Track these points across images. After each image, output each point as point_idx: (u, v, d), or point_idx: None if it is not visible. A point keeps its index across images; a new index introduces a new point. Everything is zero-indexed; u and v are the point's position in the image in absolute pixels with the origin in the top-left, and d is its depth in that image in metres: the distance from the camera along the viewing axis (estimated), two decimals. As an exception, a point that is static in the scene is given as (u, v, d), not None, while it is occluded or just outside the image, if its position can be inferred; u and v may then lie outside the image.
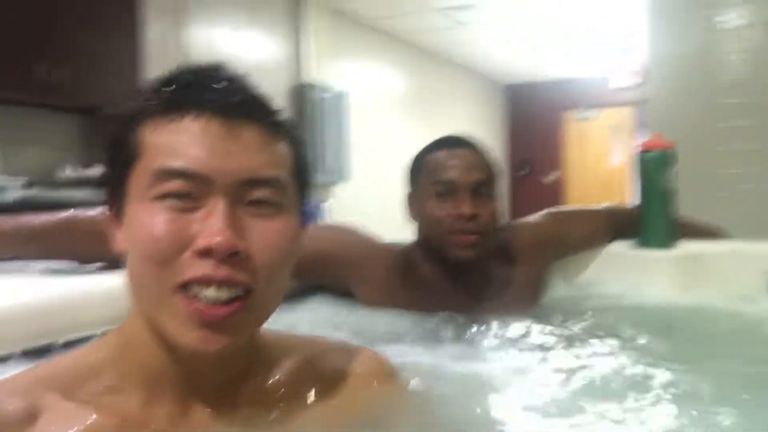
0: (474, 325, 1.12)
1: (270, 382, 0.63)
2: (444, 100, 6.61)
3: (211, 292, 0.52)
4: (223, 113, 0.55)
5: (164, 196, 0.53)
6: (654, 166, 1.43)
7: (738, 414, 0.72)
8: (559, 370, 0.92)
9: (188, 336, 0.53)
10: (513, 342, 1.07)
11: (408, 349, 0.98)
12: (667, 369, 0.87)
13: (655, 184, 1.44)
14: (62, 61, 2.98)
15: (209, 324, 0.53)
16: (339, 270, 1.23)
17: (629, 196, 7.96)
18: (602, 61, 6.67)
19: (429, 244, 1.21)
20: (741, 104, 2.71)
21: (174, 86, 0.57)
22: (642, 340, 1.09)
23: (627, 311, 1.31)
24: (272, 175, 0.57)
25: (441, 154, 1.21)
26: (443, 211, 1.16)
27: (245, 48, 4.30)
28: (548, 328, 1.13)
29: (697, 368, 0.90)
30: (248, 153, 0.56)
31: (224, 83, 0.57)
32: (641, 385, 0.84)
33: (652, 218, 1.45)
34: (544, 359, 1.00)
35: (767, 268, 1.39)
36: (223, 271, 0.52)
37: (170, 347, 0.56)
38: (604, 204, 1.60)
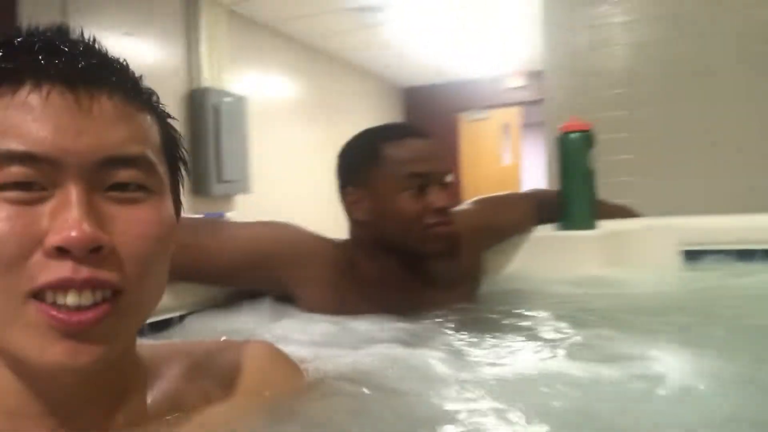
0: (438, 320, 1.09)
1: (154, 396, 0.55)
2: (344, 104, 6.60)
3: (71, 299, 0.44)
4: (68, 81, 0.46)
5: (2, 188, 0.44)
6: (576, 148, 1.48)
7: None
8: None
9: (50, 351, 0.44)
10: (472, 334, 1.03)
11: (389, 350, 0.91)
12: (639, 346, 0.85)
13: (577, 166, 1.49)
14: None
15: (74, 334, 0.44)
16: (278, 271, 1.12)
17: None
18: (493, 61, 6.95)
19: (397, 240, 1.13)
20: (621, 94, 2.92)
21: (2, 52, 0.46)
22: (590, 318, 1.10)
23: (563, 293, 1.35)
24: (136, 153, 0.48)
25: (407, 145, 1.13)
26: (420, 205, 1.11)
27: (135, 52, 4.05)
28: (499, 316, 1.12)
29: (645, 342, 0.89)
30: (103, 127, 0.46)
31: (67, 46, 0.48)
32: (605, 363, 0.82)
33: (575, 200, 1.50)
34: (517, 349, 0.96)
35: (680, 242, 1.49)
36: (83, 272, 0.44)
37: (28, 369, 0.47)
38: (529, 189, 1.65)
